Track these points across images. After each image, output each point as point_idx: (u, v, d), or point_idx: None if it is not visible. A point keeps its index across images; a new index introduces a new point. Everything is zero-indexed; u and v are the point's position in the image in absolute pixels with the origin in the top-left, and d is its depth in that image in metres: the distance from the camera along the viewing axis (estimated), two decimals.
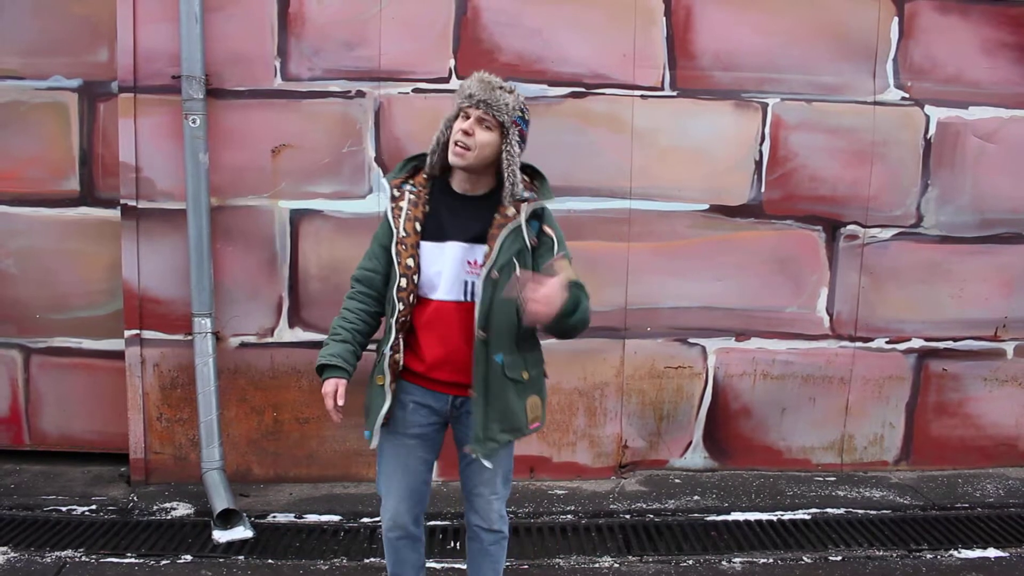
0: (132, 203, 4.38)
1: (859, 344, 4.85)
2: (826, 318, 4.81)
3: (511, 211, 2.70)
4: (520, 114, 2.72)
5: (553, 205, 4.31)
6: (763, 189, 4.67)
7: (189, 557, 3.83)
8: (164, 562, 3.78)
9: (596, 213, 4.56)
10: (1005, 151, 4.76)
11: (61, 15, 4.46)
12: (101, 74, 4.50)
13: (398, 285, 2.71)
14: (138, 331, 4.47)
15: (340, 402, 2.69)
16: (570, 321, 2.57)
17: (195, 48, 4.19)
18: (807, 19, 4.57)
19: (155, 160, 4.36)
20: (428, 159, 2.78)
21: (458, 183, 2.78)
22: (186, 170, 4.28)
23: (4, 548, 3.83)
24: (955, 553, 4.01)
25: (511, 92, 2.70)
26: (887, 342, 4.87)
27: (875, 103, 4.66)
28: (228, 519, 4.08)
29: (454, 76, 4.40)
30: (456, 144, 2.65)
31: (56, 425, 4.79)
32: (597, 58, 4.49)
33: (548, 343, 4.59)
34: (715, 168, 4.62)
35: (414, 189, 2.79)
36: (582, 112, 4.50)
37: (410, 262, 2.70)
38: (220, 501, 4.14)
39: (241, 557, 3.84)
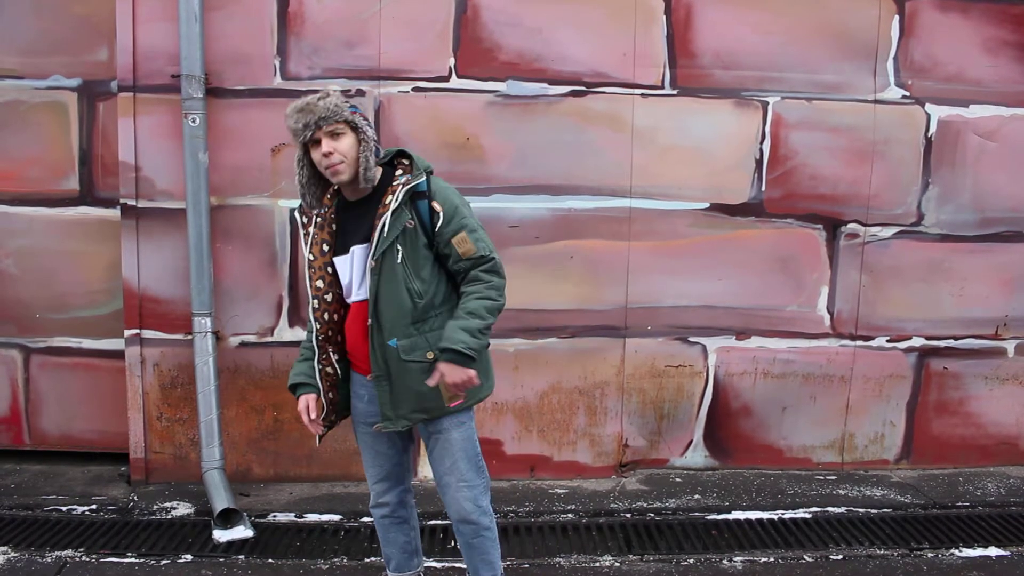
0: (132, 202, 4.38)
1: (860, 343, 4.84)
2: (827, 317, 4.80)
3: (388, 198, 2.78)
4: (350, 105, 2.78)
5: (553, 204, 4.29)
6: (763, 188, 4.66)
7: (189, 557, 3.83)
8: (164, 562, 3.78)
9: (596, 212, 4.55)
10: (1006, 149, 4.76)
11: (61, 14, 4.46)
12: (101, 73, 4.50)
13: (311, 306, 2.88)
14: (138, 331, 4.47)
15: (313, 415, 2.93)
16: (482, 346, 2.80)
17: (195, 47, 4.19)
18: (807, 18, 4.57)
19: (155, 159, 4.36)
20: (303, 200, 2.88)
21: (349, 193, 2.87)
22: (186, 169, 4.27)
23: (4, 548, 3.83)
24: (956, 552, 4.00)
25: (327, 95, 2.75)
26: (888, 341, 4.86)
27: (876, 101, 4.65)
28: (228, 519, 4.08)
29: (454, 75, 4.40)
30: (328, 169, 2.73)
31: (56, 425, 4.79)
32: (597, 57, 4.48)
33: (547, 342, 4.58)
34: (715, 167, 4.62)
35: (322, 211, 2.89)
36: (582, 111, 4.49)
37: (319, 283, 2.86)
38: (220, 501, 4.14)
39: (241, 556, 3.84)
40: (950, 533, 4.19)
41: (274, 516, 4.25)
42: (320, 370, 2.92)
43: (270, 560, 3.81)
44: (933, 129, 4.71)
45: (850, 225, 4.74)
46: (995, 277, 4.87)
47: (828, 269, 4.76)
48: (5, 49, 4.49)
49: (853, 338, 4.83)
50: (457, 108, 4.43)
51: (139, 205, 4.39)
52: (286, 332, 4.52)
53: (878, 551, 3.99)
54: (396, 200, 2.76)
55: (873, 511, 4.42)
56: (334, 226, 2.89)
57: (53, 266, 4.63)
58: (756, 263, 4.71)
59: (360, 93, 4.38)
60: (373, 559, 3.82)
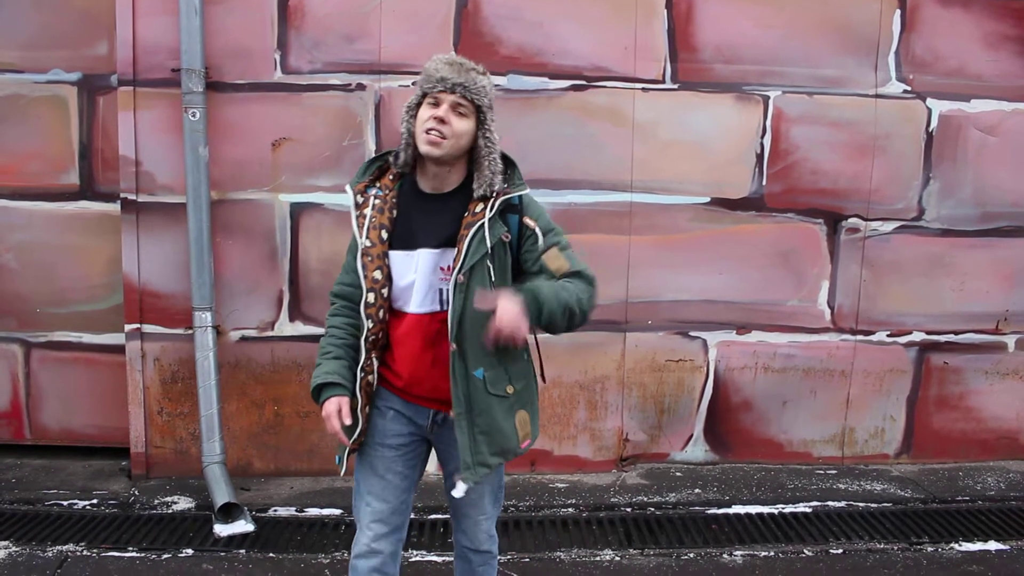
0: (132, 197, 4.38)
1: (860, 337, 4.84)
2: (827, 311, 4.80)
3: (480, 207, 2.44)
4: (493, 97, 2.49)
5: (553, 199, 4.23)
6: (764, 182, 4.66)
7: (190, 551, 3.83)
8: (165, 556, 3.78)
9: (597, 206, 4.55)
10: (1007, 144, 4.75)
11: (60, 8, 4.45)
12: (100, 67, 4.49)
13: (365, 301, 2.47)
14: (138, 325, 4.46)
15: (347, 421, 2.45)
16: (547, 321, 2.36)
17: (195, 41, 4.18)
18: (809, 12, 4.56)
19: (155, 154, 4.35)
20: (398, 155, 2.52)
21: (427, 181, 2.51)
22: (186, 163, 4.27)
23: (6, 542, 3.83)
24: (956, 546, 4.01)
25: (484, 74, 2.45)
26: (888, 335, 4.86)
27: (877, 96, 4.65)
28: (229, 513, 4.08)
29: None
30: (428, 132, 2.38)
31: (57, 419, 4.79)
32: (598, 51, 4.48)
33: (545, 337, 4.59)
34: (716, 161, 4.62)
35: (380, 193, 2.52)
36: (583, 105, 4.49)
37: (377, 274, 2.46)
38: (221, 495, 4.14)
39: (242, 551, 3.84)
40: (950, 527, 4.19)
41: (275, 510, 4.25)
42: (362, 378, 2.52)
43: (271, 554, 3.82)
44: (934, 124, 4.70)
45: (851, 220, 4.74)
46: (996, 272, 4.87)
47: (829, 264, 4.76)
48: (5, 43, 4.48)
49: (854, 332, 4.83)
50: None
51: (139, 199, 4.38)
52: (286, 326, 4.52)
53: (878, 545, 4.00)
54: (492, 209, 2.42)
55: (873, 505, 4.43)
56: (395, 212, 2.50)
57: (53, 260, 4.62)
58: (757, 257, 4.71)
59: (361, 87, 4.38)
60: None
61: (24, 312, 4.67)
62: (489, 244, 2.40)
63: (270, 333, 4.52)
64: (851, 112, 4.64)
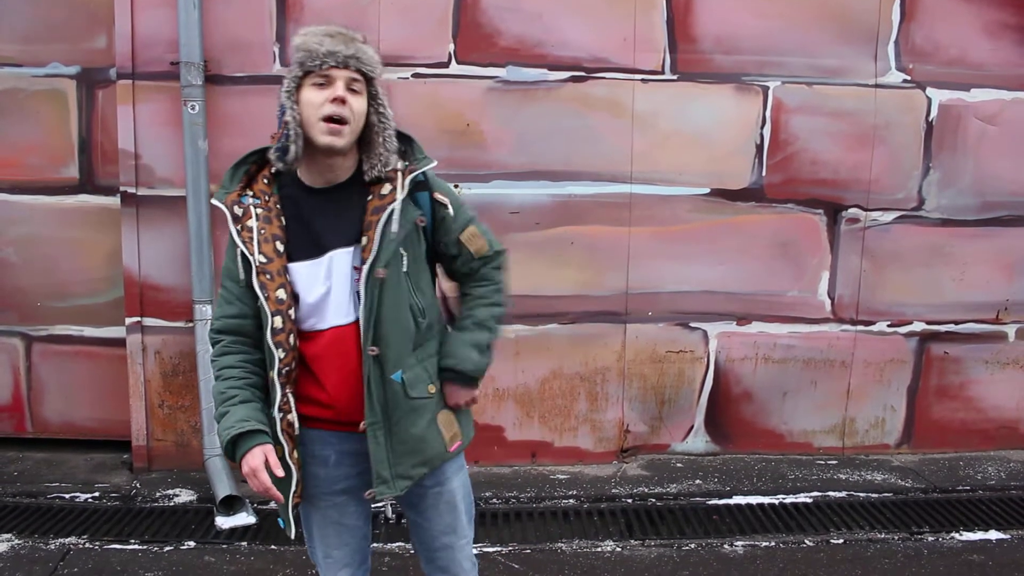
0: (132, 190, 4.37)
1: (860, 328, 4.84)
2: (827, 302, 4.80)
3: (386, 188, 2.14)
4: (381, 69, 2.17)
5: (553, 190, 4.16)
6: (764, 173, 4.65)
7: (192, 543, 3.84)
8: (167, 548, 3.79)
9: (597, 198, 4.54)
10: (1007, 133, 4.74)
11: (58, 2, 4.44)
12: (99, 61, 4.48)
13: (272, 327, 2.10)
14: (139, 318, 4.47)
15: (278, 472, 2.10)
16: (485, 368, 2.30)
17: (193, 34, 4.17)
18: (808, 1, 4.55)
19: (154, 147, 4.35)
20: (283, 151, 2.14)
21: (316, 175, 2.17)
22: (185, 157, 4.27)
23: (8, 535, 3.85)
24: (956, 535, 4.02)
25: (366, 40, 2.15)
26: (888, 325, 4.86)
27: (876, 86, 4.64)
28: (231, 505, 4.09)
29: (454, 61, 4.39)
30: (329, 120, 2.05)
31: (58, 413, 4.79)
32: (597, 42, 4.47)
33: (548, 328, 4.58)
34: (716, 152, 4.61)
35: (257, 201, 2.17)
36: (582, 96, 4.48)
37: (281, 294, 2.11)
38: (223, 487, 4.15)
39: (244, 543, 3.85)
40: (950, 517, 4.20)
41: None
42: (282, 419, 2.16)
43: (272, 546, 3.83)
44: (934, 113, 4.70)
45: (851, 210, 4.73)
46: (996, 261, 4.86)
47: (829, 254, 4.76)
48: (3, 37, 4.47)
49: (854, 323, 4.83)
50: (457, 94, 4.41)
51: (139, 193, 4.38)
52: None
53: (879, 535, 4.01)
54: (403, 189, 2.13)
55: (874, 495, 4.43)
56: (283, 219, 2.17)
57: (54, 254, 4.62)
58: (757, 248, 4.70)
59: None
60: (375, 545, 3.82)
61: (25, 306, 4.67)
62: (403, 229, 2.13)
63: None
64: (851, 102, 4.63)
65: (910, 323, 4.87)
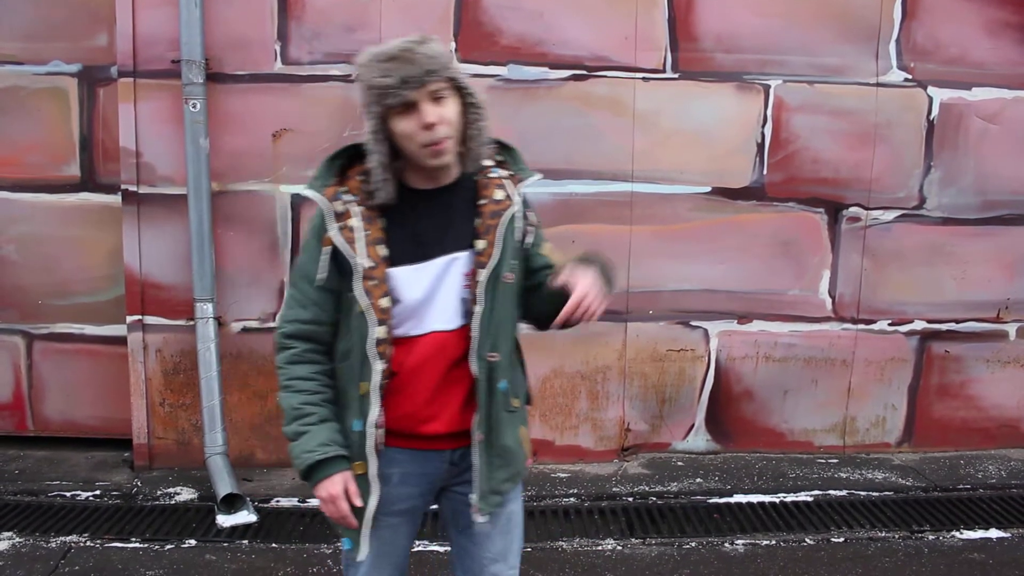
0: (133, 188, 4.38)
1: (861, 326, 4.84)
2: (828, 300, 4.80)
3: (499, 194, 2.08)
4: (453, 57, 2.13)
5: (554, 188, 4.20)
6: (765, 171, 4.65)
7: (193, 541, 3.84)
8: (168, 547, 3.79)
9: (598, 196, 4.54)
10: (1008, 132, 4.74)
11: (60, 0, 4.44)
12: (100, 59, 4.48)
13: (376, 337, 1.99)
14: (140, 317, 4.47)
15: (357, 502, 2.06)
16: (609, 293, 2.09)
17: (195, 32, 4.17)
18: (809, 0, 4.54)
19: (155, 145, 4.35)
20: (380, 194, 2.02)
21: (419, 178, 2.07)
22: (186, 155, 4.26)
23: (9, 533, 3.85)
24: (957, 534, 4.02)
25: (427, 39, 2.00)
26: (889, 324, 4.86)
27: (878, 84, 4.63)
28: (232, 504, 4.09)
29: (455, 59, 4.38)
30: (427, 147, 1.96)
31: (59, 411, 4.79)
32: (598, 41, 4.47)
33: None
34: (717, 151, 4.61)
35: (354, 198, 2.04)
36: (583, 95, 4.48)
37: (385, 302, 1.99)
38: (223, 486, 4.15)
39: (245, 541, 3.85)
40: (951, 515, 4.20)
41: (277, 501, 4.26)
42: (374, 435, 2.05)
43: (273, 544, 3.83)
44: (935, 112, 4.69)
45: (852, 209, 4.73)
46: (997, 260, 4.86)
47: (830, 253, 4.76)
48: (4, 35, 4.47)
49: (855, 322, 4.83)
50: None
51: (140, 191, 4.38)
52: None
53: (879, 534, 4.01)
54: (519, 195, 2.11)
55: (874, 494, 4.43)
56: (384, 220, 2.04)
57: (54, 252, 4.62)
58: (758, 247, 4.70)
59: None
60: None
61: (26, 304, 4.67)
62: (520, 236, 2.09)
63: (272, 324, 4.52)
64: (852, 101, 4.63)
65: (911, 322, 4.87)
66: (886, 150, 4.69)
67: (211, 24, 4.25)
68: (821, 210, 4.72)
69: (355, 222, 2.01)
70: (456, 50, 4.39)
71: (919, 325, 4.88)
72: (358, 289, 1.99)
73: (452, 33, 4.38)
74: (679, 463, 4.78)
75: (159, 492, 4.32)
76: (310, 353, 2.09)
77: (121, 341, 4.56)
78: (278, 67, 4.35)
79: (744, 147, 4.63)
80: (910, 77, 4.65)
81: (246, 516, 4.05)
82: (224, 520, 4.01)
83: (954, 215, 4.79)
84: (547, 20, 4.42)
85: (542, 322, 2.19)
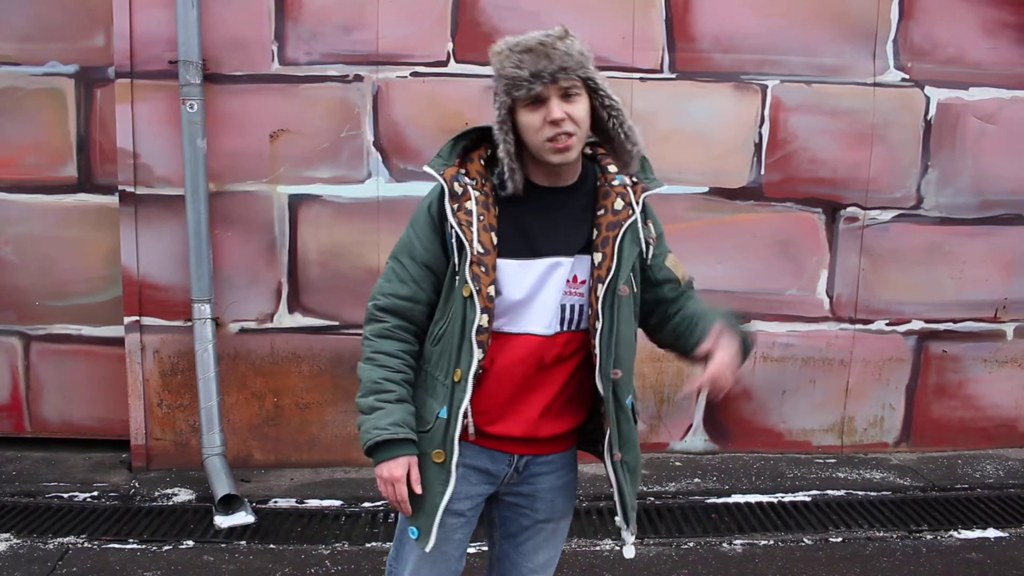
0: (130, 189, 4.37)
1: (859, 326, 4.84)
2: (826, 300, 4.80)
3: (619, 203, 2.02)
4: (592, 57, 1.98)
5: None
6: (763, 171, 4.65)
7: (191, 542, 3.84)
8: (166, 547, 3.79)
9: None
10: (1005, 132, 4.75)
11: (57, 0, 4.43)
12: (98, 59, 4.48)
13: (479, 325, 1.94)
14: (137, 317, 4.46)
15: (418, 489, 2.01)
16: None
17: (192, 33, 4.17)
18: (807, 0, 4.54)
19: (153, 146, 4.34)
20: (507, 179, 1.97)
21: (541, 174, 2.01)
22: (184, 156, 4.26)
23: (7, 535, 3.84)
24: (955, 534, 4.02)
25: (567, 35, 1.93)
26: (887, 324, 4.87)
27: (875, 84, 4.64)
28: (229, 504, 4.09)
29: (452, 60, 4.38)
30: (552, 142, 1.90)
31: (57, 412, 4.79)
32: (596, 41, 4.39)
33: None
34: (715, 151, 4.61)
35: (473, 182, 1.99)
36: None
37: (491, 291, 1.94)
38: (221, 487, 4.15)
39: (243, 542, 3.85)
40: (949, 515, 4.20)
41: (275, 502, 4.26)
42: (461, 424, 2.01)
43: (271, 545, 3.83)
44: (933, 112, 4.70)
45: (849, 208, 4.73)
46: (994, 260, 4.87)
47: (827, 253, 4.76)
48: (1, 35, 4.46)
49: (852, 321, 4.84)
50: (456, 93, 4.41)
51: (137, 192, 4.38)
52: (286, 318, 4.52)
53: (877, 533, 4.01)
54: (639, 205, 2.05)
55: (872, 494, 4.44)
56: (498, 209, 1.99)
57: (52, 253, 4.62)
58: (755, 247, 4.71)
59: (358, 78, 4.37)
60: (374, 544, 3.83)
61: (23, 305, 4.67)
62: (638, 248, 2.03)
63: (269, 325, 4.53)
64: (849, 101, 4.63)
65: (909, 322, 4.88)
66: (884, 150, 4.69)
67: (208, 24, 4.25)
68: (819, 210, 4.72)
69: (472, 205, 1.96)
70: (453, 50, 4.39)
71: (917, 325, 4.88)
72: (468, 273, 1.94)
73: (449, 33, 4.38)
74: (677, 463, 4.78)
75: (157, 493, 4.32)
76: (400, 331, 2.05)
77: (119, 342, 4.55)
78: (275, 68, 4.34)
79: (742, 147, 4.63)
80: (907, 77, 4.65)
81: (244, 517, 4.04)
82: (222, 521, 4.01)
83: (951, 215, 4.79)
84: (544, 20, 4.41)
85: (662, 345, 2.18)
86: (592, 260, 2.00)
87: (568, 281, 2.01)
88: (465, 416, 2.00)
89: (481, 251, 1.93)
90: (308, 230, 4.47)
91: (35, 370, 4.74)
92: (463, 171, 2.01)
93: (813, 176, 4.68)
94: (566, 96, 1.90)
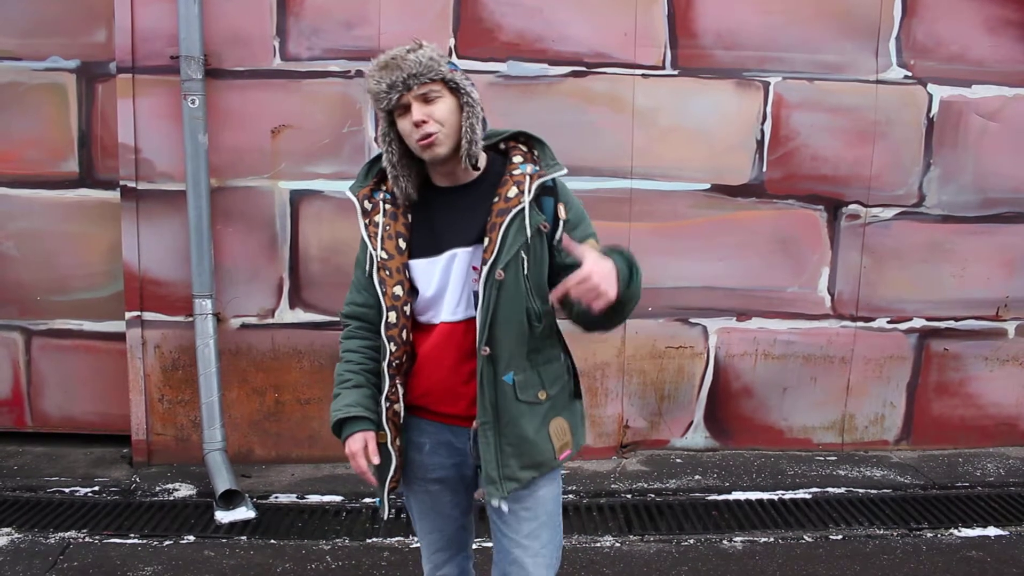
0: (131, 184, 4.37)
1: (860, 324, 4.84)
2: (827, 298, 4.80)
3: (513, 191, 2.16)
4: (448, 61, 2.17)
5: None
6: (764, 168, 4.65)
7: (192, 537, 3.84)
8: (167, 542, 3.79)
9: (597, 193, 4.54)
10: (1008, 130, 4.74)
11: None
12: (99, 55, 4.48)
13: (386, 322, 2.20)
14: (139, 313, 4.47)
15: (374, 460, 2.22)
16: (631, 295, 2.15)
17: (193, 28, 4.17)
18: None
19: (154, 141, 4.34)
20: (396, 190, 2.21)
21: (440, 176, 2.23)
22: (185, 151, 4.26)
23: (8, 529, 3.85)
24: (955, 532, 4.02)
25: (419, 47, 2.14)
26: (888, 322, 4.86)
27: (877, 82, 4.63)
28: (230, 500, 4.10)
29: (454, 56, 4.38)
30: (420, 142, 2.10)
31: (58, 407, 4.79)
32: (598, 37, 4.46)
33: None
34: (716, 147, 4.61)
35: (389, 197, 2.24)
36: (583, 91, 4.47)
37: (398, 290, 2.18)
38: (222, 482, 4.16)
39: (243, 537, 3.85)
40: (949, 513, 4.20)
41: (276, 497, 4.26)
42: (387, 408, 2.25)
43: (272, 541, 3.83)
44: (935, 109, 4.69)
45: (851, 206, 4.73)
46: (996, 258, 4.86)
47: (829, 250, 4.76)
48: (2, 30, 4.46)
49: (854, 319, 4.83)
50: None
51: (139, 187, 4.38)
52: (287, 314, 4.52)
53: (878, 531, 4.01)
54: (529, 193, 2.16)
55: (873, 491, 4.44)
56: (409, 217, 2.23)
57: (53, 248, 4.62)
58: (757, 244, 4.70)
59: (360, 74, 4.37)
60: (374, 540, 3.83)
61: (25, 300, 4.67)
62: (528, 233, 2.14)
63: (270, 320, 4.53)
64: (851, 98, 4.63)
65: (910, 319, 4.87)
66: (886, 147, 4.68)
67: (210, 20, 4.25)
68: (820, 207, 4.71)
69: (380, 218, 2.22)
70: (455, 46, 4.38)
71: (918, 323, 4.88)
72: (375, 277, 2.21)
73: (451, 29, 4.37)
74: (678, 460, 4.78)
75: (158, 488, 4.32)
76: (360, 330, 2.32)
77: (120, 337, 4.56)
78: (277, 63, 4.34)
79: (744, 144, 4.63)
80: (910, 74, 4.65)
81: (245, 512, 4.05)
82: (223, 516, 4.01)
83: (953, 213, 4.79)
84: (547, 16, 4.42)
85: (576, 320, 2.20)
86: (481, 245, 2.17)
87: (473, 268, 2.17)
88: (389, 400, 2.25)
89: (385, 256, 2.19)
90: (309, 226, 4.47)
91: (36, 365, 4.75)
92: (382, 188, 2.26)
93: (815, 173, 4.68)
94: (426, 100, 2.10)
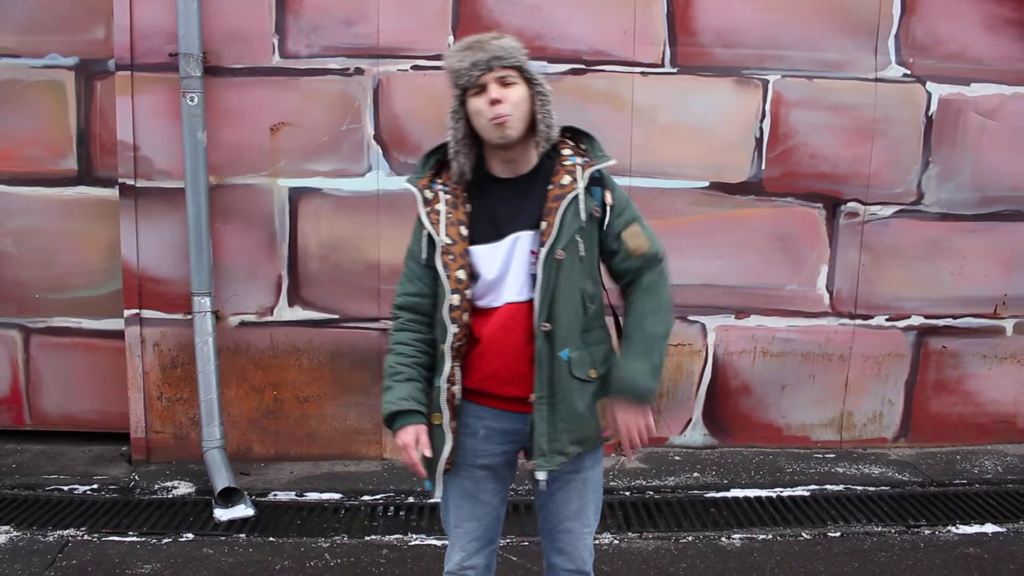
0: (130, 182, 4.37)
1: (859, 322, 4.85)
2: (826, 295, 4.81)
3: (566, 179, 2.31)
4: (526, 53, 2.33)
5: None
6: (763, 166, 4.65)
7: (191, 535, 3.84)
8: (166, 540, 3.79)
9: None
10: (1006, 128, 4.74)
11: None
12: (98, 52, 4.47)
13: (450, 304, 2.28)
14: (137, 310, 4.46)
15: (427, 452, 2.30)
16: (659, 377, 2.35)
17: (192, 25, 4.16)
18: None
19: (153, 139, 4.34)
20: (454, 165, 2.34)
21: (500, 166, 2.36)
22: (184, 148, 4.26)
23: (7, 527, 3.85)
24: (953, 529, 4.03)
25: (502, 36, 2.32)
26: (887, 319, 4.87)
27: (876, 80, 4.63)
28: (229, 497, 4.10)
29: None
30: (493, 121, 2.23)
31: (57, 405, 4.79)
32: (597, 35, 4.46)
33: None
34: (715, 145, 4.61)
35: (446, 187, 2.36)
36: (582, 89, 4.47)
37: (461, 274, 2.28)
38: (221, 480, 4.16)
39: (242, 535, 3.85)
40: (947, 510, 4.21)
41: (275, 495, 4.26)
42: (446, 390, 2.33)
43: (271, 538, 3.83)
44: (934, 108, 4.69)
45: (850, 204, 4.73)
46: (994, 256, 4.86)
47: (828, 248, 4.76)
48: (1, 27, 4.46)
49: (852, 317, 4.84)
50: None
51: (138, 185, 4.37)
52: (286, 311, 4.52)
53: (876, 528, 4.02)
54: (584, 180, 2.30)
55: (871, 489, 4.44)
56: (469, 205, 2.35)
57: (52, 246, 4.62)
58: (756, 242, 4.70)
59: (359, 71, 4.37)
60: (373, 537, 3.84)
61: (23, 298, 4.67)
62: (583, 218, 2.28)
63: (269, 318, 4.53)
64: (850, 96, 4.63)
65: (908, 317, 4.88)
66: (884, 145, 4.69)
67: (209, 17, 4.24)
68: (819, 205, 4.72)
69: (440, 206, 2.33)
70: (453, 43, 4.37)
71: (916, 320, 4.88)
72: (438, 262, 2.29)
73: (450, 27, 4.37)
74: (676, 458, 4.79)
75: (156, 486, 4.32)
76: (412, 323, 2.39)
77: (118, 335, 4.56)
78: (276, 60, 4.34)
79: (742, 142, 4.63)
80: (909, 72, 4.65)
81: (244, 510, 4.05)
82: (222, 514, 4.01)
83: (952, 211, 4.79)
84: (545, 14, 4.41)
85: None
86: (539, 228, 2.30)
87: (532, 252, 2.30)
88: (449, 382, 2.32)
89: (448, 242, 2.29)
90: (308, 223, 4.47)
91: (35, 363, 4.75)
92: (439, 180, 2.38)
93: (814, 171, 4.68)
94: (504, 84, 2.25)
